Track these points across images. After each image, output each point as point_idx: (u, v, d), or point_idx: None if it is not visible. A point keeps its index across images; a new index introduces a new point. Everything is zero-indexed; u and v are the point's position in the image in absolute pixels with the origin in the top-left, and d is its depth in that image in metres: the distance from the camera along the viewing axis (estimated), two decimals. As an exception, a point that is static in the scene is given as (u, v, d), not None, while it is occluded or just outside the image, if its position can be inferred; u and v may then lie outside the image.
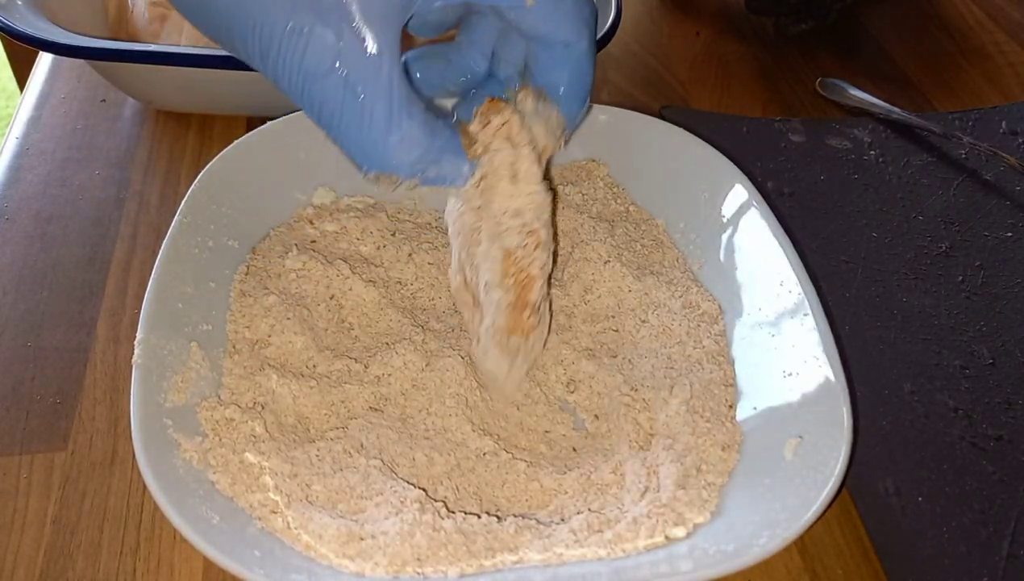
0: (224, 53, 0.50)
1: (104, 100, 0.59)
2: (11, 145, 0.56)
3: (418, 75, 0.38)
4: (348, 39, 0.29)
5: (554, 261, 0.41)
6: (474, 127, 0.36)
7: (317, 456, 0.36)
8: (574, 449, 0.39)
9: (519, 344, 0.39)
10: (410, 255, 0.45)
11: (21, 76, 1.14)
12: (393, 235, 0.46)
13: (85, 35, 0.51)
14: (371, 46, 0.29)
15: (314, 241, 0.45)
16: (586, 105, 0.38)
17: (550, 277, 0.40)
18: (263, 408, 0.38)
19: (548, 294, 0.40)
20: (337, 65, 0.29)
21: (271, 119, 0.46)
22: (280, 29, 0.29)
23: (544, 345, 0.41)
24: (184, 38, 0.54)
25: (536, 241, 0.37)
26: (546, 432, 0.40)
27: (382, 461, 0.36)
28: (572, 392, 0.41)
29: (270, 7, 0.29)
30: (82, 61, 0.58)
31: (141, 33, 0.56)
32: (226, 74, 0.51)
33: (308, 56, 0.29)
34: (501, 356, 0.39)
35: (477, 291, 0.39)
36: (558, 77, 0.36)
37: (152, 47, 0.52)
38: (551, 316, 0.42)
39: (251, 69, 0.46)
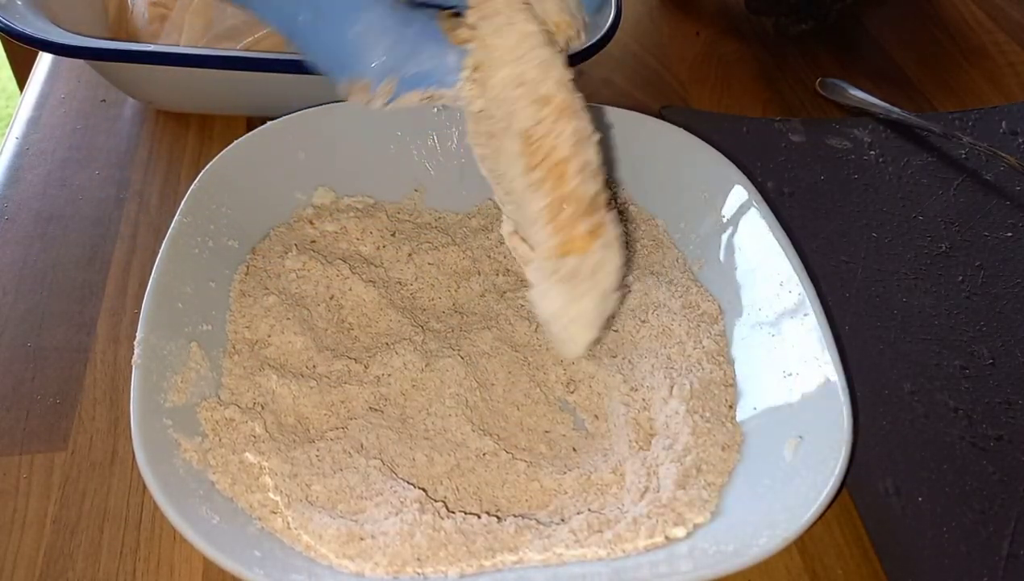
0: (223, 53, 0.50)
1: (104, 100, 0.59)
2: (11, 145, 0.56)
3: None
4: None
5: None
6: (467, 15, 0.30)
7: (317, 456, 0.36)
8: (574, 449, 0.39)
9: (576, 267, 0.31)
10: (410, 255, 0.45)
11: (21, 76, 1.14)
12: (393, 235, 0.46)
13: (85, 35, 0.51)
14: None
15: (314, 241, 0.45)
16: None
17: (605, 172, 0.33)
18: (263, 408, 0.38)
19: (606, 193, 0.33)
20: None
21: (271, 119, 0.46)
22: None
23: (621, 277, 0.34)
24: (184, 38, 0.54)
25: (556, 109, 0.30)
26: (546, 432, 0.40)
27: (382, 461, 0.36)
28: (572, 392, 0.41)
29: None
30: (82, 61, 0.58)
31: (141, 33, 0.56)
32: (225, 74, 0.51)
33: None
34: (558, 291, 0.32)
35: (527, 229, 0.32)
36: None
37: (151, 47, 0.52)
38: (622, 231, 0.34)
39: (250, 69, 0.46)
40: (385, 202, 0.48)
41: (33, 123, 0.57)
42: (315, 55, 0.28)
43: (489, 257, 0.46)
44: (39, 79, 0.61)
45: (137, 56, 0.51)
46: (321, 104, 0.46)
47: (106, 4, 0.58)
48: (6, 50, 1.17)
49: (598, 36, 0.52)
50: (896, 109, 0.57)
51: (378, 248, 0.46)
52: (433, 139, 0.48)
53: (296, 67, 0.49)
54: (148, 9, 0.56)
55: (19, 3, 0.52)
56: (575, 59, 0.51)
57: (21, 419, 0.41)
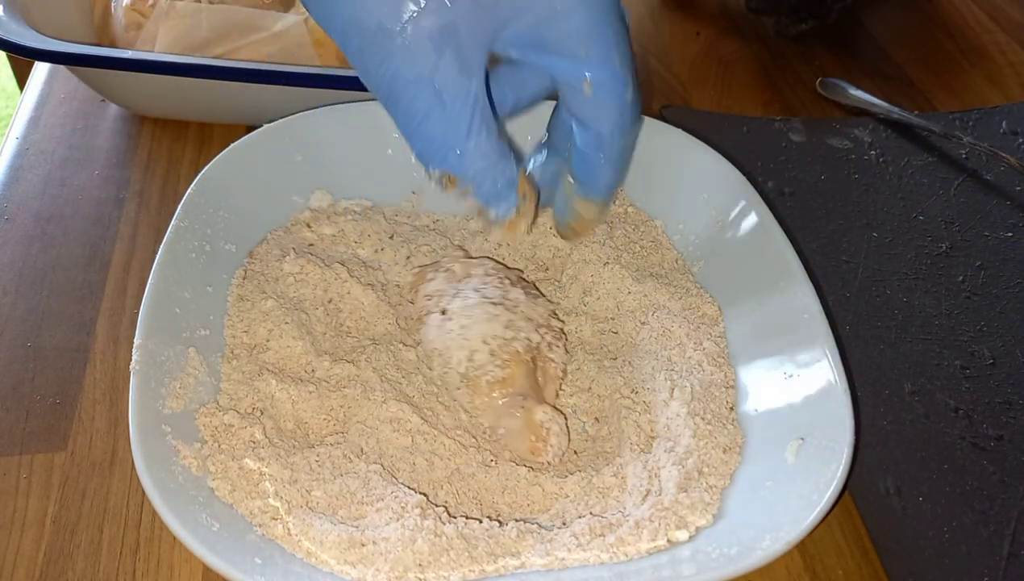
0: (194, 61, 0.50)
1: (104, 100, 0.59)
2: (11, 145, 0.56)
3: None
4: (447, 55, 0.32)
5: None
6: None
7: (317, 462, 0.36)
8: (575, 452, 0.39)
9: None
10: (408, 258, 0.45)
11: (21, 76, 1.13)
12: (391, 238, 0.46)
13: (60, 39, 0.51)
14: (464, 64, 0.33)
15: (311, 244, 0.45)
16: (605, 202, 0.39)
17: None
18: (262, 413, 0.37)
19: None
20: (431, 75, 0.32)
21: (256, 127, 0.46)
22: (385, 31, 0.32)
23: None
24: (157, 45, 0.54)
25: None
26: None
27: (382, 466, 0.36)
28: (572, 395, 0.41)
29: (380, 8, 0.31)
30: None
31: (119, 39, 0.56)
32: (195, 82, 0.51)
33: (405, 63, 0.32)
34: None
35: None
36: (583, 168, 0.38)
37: (110, 52, 0.52)
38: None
39: (223, 78, 0.47)
40: (383, 205, 0.48)
41: (33, 123, 0.57)
42: (423, 149, 0.34)
43: (488, 259, 0.46)
44: (39, 79, 0.61)
45: (95, 61, 0.51)
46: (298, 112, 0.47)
47: (94, 10, 0.59)
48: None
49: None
50: (896, 109, 0.57)
51: (376, 251, 0.46)
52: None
53: (264, 77, 0.49)
54: (125, 15, 0.56)
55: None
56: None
57: (21, 419, 0.41)
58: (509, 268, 0.44)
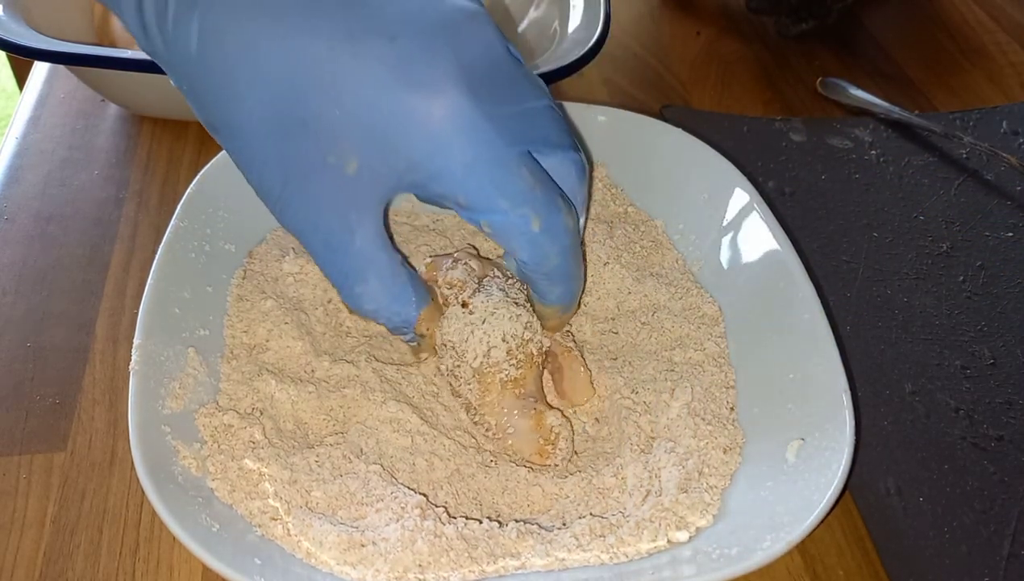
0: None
1: (104, 100, 0.59)
2: (11, 145, 0.56)
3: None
4: (331, 212, 0.34)
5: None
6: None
7: (316, 462, 0.36)
8: (575, 453, 0.39)
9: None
10: (407, 258, 0.45)
11: (21, 76, 1.13)
12: (390, 239, 0.46)
13: (59, 39, 0.51)
14: (345, 222, 0.34)
15: None
16: (563, 307, 0.39)
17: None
18: (261, 414, 0.37)
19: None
20: (316, 228, 0.35)
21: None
22: (292, 197, 0.34)
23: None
24: None
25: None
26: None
27: (381, 466, 0.36)
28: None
29: (275, 165, 0.34)
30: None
31: (119, 39, 0.56)
32: None
33: (296, 212, 0.35)
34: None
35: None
36: (530, 283, 0.38)
37: (109, 52, 0.52)
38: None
39: None
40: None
41: (33, 123, 0.57)
42: (331, 283, 0.37)
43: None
44: (39, 79, 0.61)
45: (97, 61, 0.51)
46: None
47: (92, 9, 0.59)
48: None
49: (587, 46, 0.52)
50: (897, 109, 0.57)
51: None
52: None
53: None
54: None
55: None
56: (567, 71, 0.51)
57: (21, 419, 0.41)
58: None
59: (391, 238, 0.37)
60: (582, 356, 0.41)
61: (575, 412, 0.40)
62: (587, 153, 0.43)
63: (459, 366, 0.38)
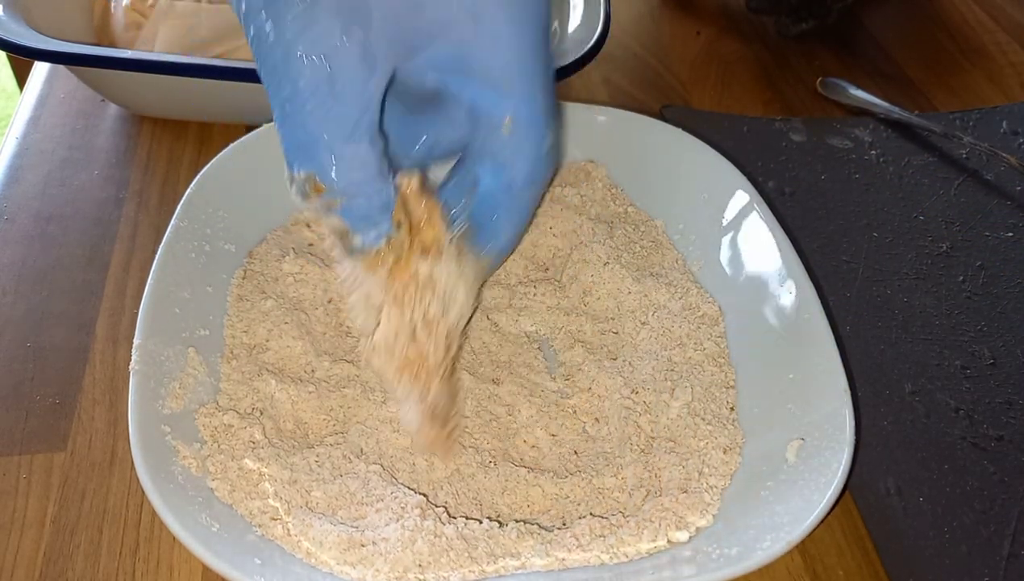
0: (194, 61, 0.50)
1: (104, 100, 0.59)
2: (11, 145, 0.56)
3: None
4: (352, 38, 0.28)
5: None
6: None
7: (316, 462, 0.36)
8: (575, 453, 0.39)
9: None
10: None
11: (21, 76, 1.13)
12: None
13: (59, 39, 0.51)
14: (368, 56, 0.29)
15: (311, 244, 0.45)
16: (500, 254, 0.36)
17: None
18: (261, 414, 0.37)
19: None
20: (330, 53, 0.28)
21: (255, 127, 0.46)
22: (318, 11, 0.28)
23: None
24: (157, 45, 0.54)
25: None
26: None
27: (381, 466, 0.36)
28: (572, 396, 0.41)
29: None
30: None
31: (119, 39, 0.56)
32: (194, 82, 0.51)
33: (304, 31, 0.28)
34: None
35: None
36: (483, 218, 0.34)
37: (109, 52, 0.52)
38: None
39: (223, 78, 0.46)
40: None
41: (33, 123, 0.57)
42: (295, 140, 0.30)
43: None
44: (39, 79, 0.61)
45: (97, 61, 0.51)
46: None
47: (93, 9, 0.59)
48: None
49: (587, 46, 0.52)
50: (897, 109, 0.57)
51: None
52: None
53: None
54: (125, 15, 0.56)
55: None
56: (567, 71, 0.51)
57: (21, 419, 0.41)
58: None
59: None
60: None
61: (575, 411, 0.40)
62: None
63: (438, 319, 0.34)
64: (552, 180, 0.35)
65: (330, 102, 0.29)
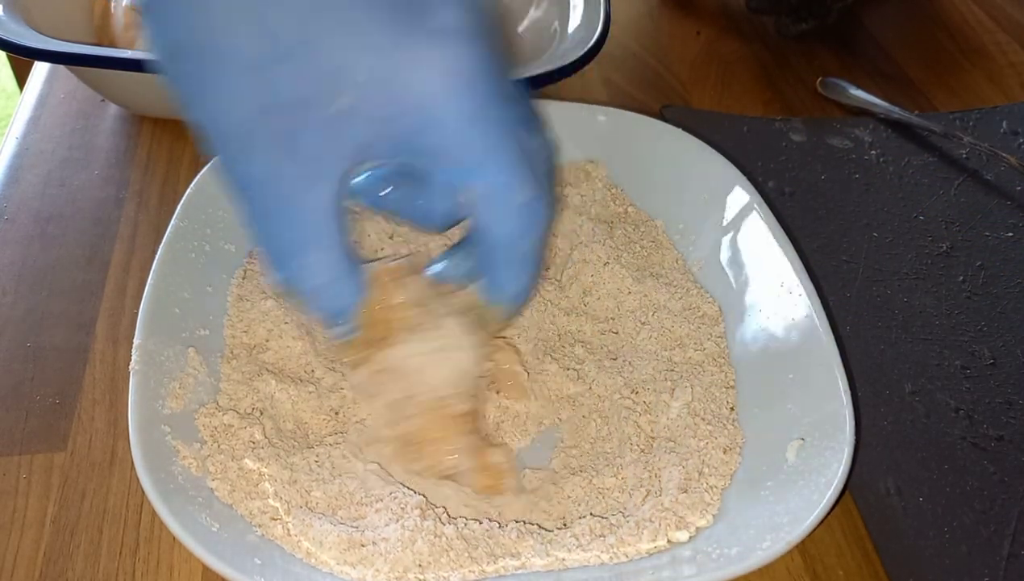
0: None
1: (104, 100, 0.59)
2: (11, 145, 0.56)
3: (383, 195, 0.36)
4: (293, 163, 0.30)
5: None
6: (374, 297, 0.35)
7: (316, 462, 0.36)
8: (574, 447, 0.39)
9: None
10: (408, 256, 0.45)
11: (21, 76, 1.13)
12: (391, 238, 0.46)
13: (58, 39, 0.51)
14: (310, 175, 0.31)
15: None
16: (513, 303, 0.36)
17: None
18: (261, 414, 0.37)
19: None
20: (276, 180, 0.31)
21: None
22: (241, 128, 0.30)
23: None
24: None
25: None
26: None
27: (379, 465, 0.36)
28: (573, 395, 0.41)
29: (233, 106, 0.30)
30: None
31: (119, 39, 0.56)
32: None
33: (252, 162, 0.31)
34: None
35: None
36: (487, 272, 0.35)
37: (109, 52, 0.52)
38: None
39: None
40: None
41: (33, 123, 0.57)
42: (265, 251, 0.33)
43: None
44: (39, 79, 0.61)
45: (97, 61, 0.51)
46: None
47: (93, 9, 0.59)
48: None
49: (588, 46, 0.52)
50: (897, 109, 0.57)
51: (376, 251, 0.46)
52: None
53: None
54: (125, 15, 0.56)
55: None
56: (567, 71, 0.51)
57: (21, 419, 0.41)
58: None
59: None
60: (519, 353, 0.40)
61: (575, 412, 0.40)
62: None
63: (407, 399, 0.36)
64: (550, 224, 0.35)
65: (286, 220, 0.31)
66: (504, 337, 0.41)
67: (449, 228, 0.35)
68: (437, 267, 0.37)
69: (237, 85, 0.30)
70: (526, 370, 0.40)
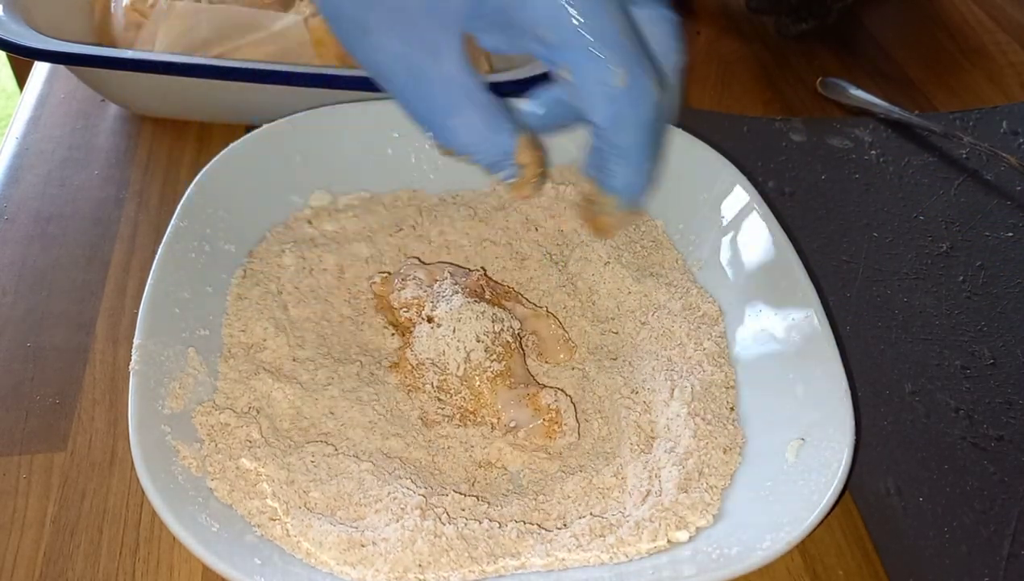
0: (194, 61, 0.50)
1: (104, 100, 0.59)
2: (11, 145, 0.56)
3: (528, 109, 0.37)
4: (412, 41, 0.32)
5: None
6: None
7: (312, 462, 0.36)
8: (576, 435, 0.39)
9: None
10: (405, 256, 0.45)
11: (21, 76, 1.13)
12: (399, 231, 0.46)
13: (58, 39, 0.51)
14: (430, 48, 0.32)
15: (312, 240, 0.45)
16: (628, 193, 0.35)
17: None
18: (258, 412, 0.37)
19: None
20: (403, 60, 0.33)
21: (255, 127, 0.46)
22: (361, 18, 0.32)
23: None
24: (157, 45, 0.54)
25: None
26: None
27: (373, 464, 0.36)
28: (573, 395, 0.41)
29: (371, 8, 0.32)
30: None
31: (119, 39, 0.56)
32: (197, 82, 0.51)
33: (378, 48, 0.33)
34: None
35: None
36: (595, 162, 0.35)
37: (109, 52, 0.52)
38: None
39: (223, 78, 0.47)
40: (382, 195, 0.48)
41: (33, 123, 0.57)
42: (419, 123, 0.35)
43: (444, 263, 0.46)
44: (39, 79, 0.61)
45: (97, 61, 0.51)
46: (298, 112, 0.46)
47: (93, 9, 0.59)
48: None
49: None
50: (897, 109, 0.57)
51: (380, 250, 0.46)
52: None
53: (264, 77, 0.49)
54: (125, 15, 0.56)
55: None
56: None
57: (21, 419, 0.41)
58: (463, 267, 0.44)
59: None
60: (554, 316, 0.42)
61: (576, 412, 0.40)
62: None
63: (444, 379, 0.38)
64: (675, 108, 0.35)
65: (421, 91, 0.33)
66: (541, 306, 0.43)
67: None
68: (527, 106, 0.36)
69: None
70: (566, 331, 0.42)
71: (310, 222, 0.46)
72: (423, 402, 0.39)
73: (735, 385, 0.39)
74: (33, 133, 0.56)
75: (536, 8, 0.31)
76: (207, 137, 0.56)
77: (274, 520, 0.34)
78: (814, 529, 0.31)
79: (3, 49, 0.49)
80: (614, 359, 0.41)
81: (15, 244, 0.49)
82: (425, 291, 0.40)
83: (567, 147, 0.48)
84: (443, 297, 0.39)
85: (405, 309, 0.40)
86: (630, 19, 0.32)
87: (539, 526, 0.34)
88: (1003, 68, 0.65)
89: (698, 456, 0.36)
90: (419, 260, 0.44)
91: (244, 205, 0.44)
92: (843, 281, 0.47)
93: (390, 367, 0.40)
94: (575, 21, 0.31)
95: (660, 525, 0.33)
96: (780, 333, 0.39)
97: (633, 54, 0.31)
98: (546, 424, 0.38)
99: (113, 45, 0.56)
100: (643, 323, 0.42)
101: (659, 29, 0.33)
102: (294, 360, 0.40)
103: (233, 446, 0.36)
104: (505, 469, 0.38)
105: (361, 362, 0.40)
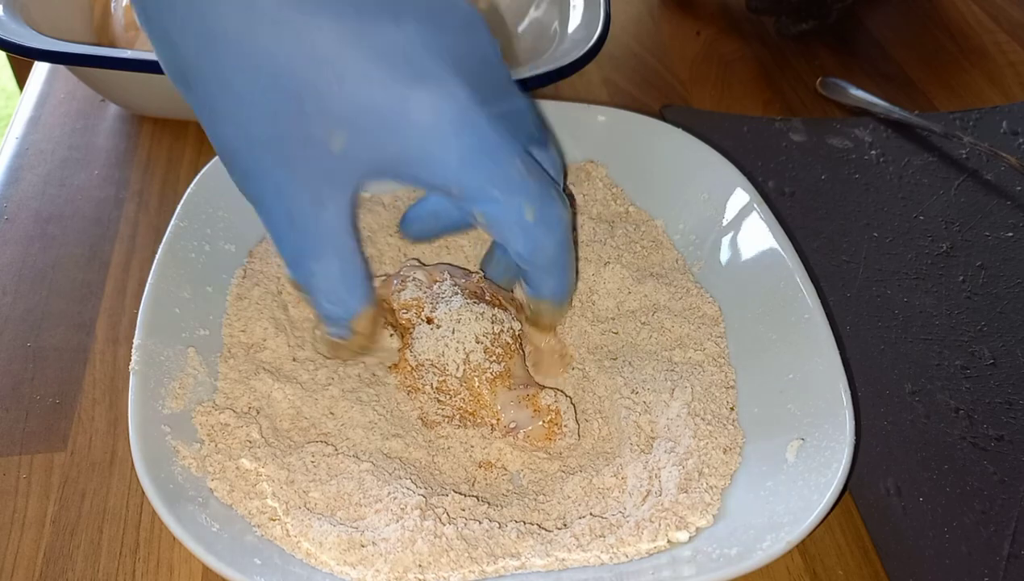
0: None
1: (104, 100, 0.59)
2: (11, 145, 0.56)
3: (414, 226, 0.39)
4: (302, 189, 0.33)
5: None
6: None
7: (312, 462, 0.36)
8: (577, 435, 0.39)
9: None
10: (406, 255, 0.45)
11: (21, 76, 1.13)
12: (398, 230, 0.46)
13: (58, 39, 0.51)
14: (318, 199, 0.33)
15: None
16: (554, 300, 0.38)
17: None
18: (258, 413, 0.37)
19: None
20: (287, 200, 0.33)
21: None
22: (265, 167, 0.33)
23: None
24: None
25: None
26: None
27: (373, 464, 0.36)
28: (573, 395, 0.41)
29: (240, 132, 0.32)
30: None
31: (119, 39, 0.56)
32: None
33: (264, 179, 0.33)
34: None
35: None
36: (524, 276, 0.37)
37: (109, 52, 0.51)
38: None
39: None
40: (381, 194, 0.48)
41: (33, 123, 0.57)
42: (280, 253, 0.35)
43: (444, 264, 0.46)
44: (39, 79, 0.61)
45: (97, 61, 0.50)
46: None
47: (93, 9, 0.59)
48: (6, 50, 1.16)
49: (587, 46, 0.52)
50: (897, 109, 0.57)
51: (380, 250, 0.46)
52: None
53: None
54: (125, 15, 0.56)
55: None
56: (567, 71, 0.51)
57: (21, 419, 0.41)
58: (463, 268, 0.44)
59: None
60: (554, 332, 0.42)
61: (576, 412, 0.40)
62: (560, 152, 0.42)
63: (444, 381, 0.38)
64: (573, 219, 0.38)
65: (292, 229, 0.34)
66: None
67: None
68: (409, 215, 0.39)
69: (243, 117, 0.32)
70: (563, 342, 0.42)
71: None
72: (423, 403, 0.39)
73: (735, 385, 0.39)
74: (33, 133, 0.57)
75: (445, 174, 0.33)
76: (207, 137, 0.56)
77: (274, 520, 0.34)
78: (814, 529, 0.31)
79: (3, 49, 0.49)
80: (614, 359, 0.41)
81: (15, 244, 0.49)
82: (425, 292, 0.40)
83: (567, 147, 0.48)
84: (443, 298, 0.39)
85: (405, 310, 0.40)
86: (529, 157, 0.34)
87: (539, 526, 0.34)
88: (1003, 68, 0.65)
89: (698, 456, 0.36)
90: (419, 261, 0.44)
91: (244, 205, 0.44)
92: (843, 281, 0.47)
93: (390, 368, 0.40)
94: (483, 179, 0.33)
95: (660, 525, 0.33)
96: (780, 333, 0.39)
97: (538, 190, 0.34)
98: (546, 425, 0.38)
99: (113, 45, 0.56)
100: (643, 323, 0.42)
101: (548, 167, 0.36)
102: (294, 360, 0.40)
103: (233, 446, 0.36)
104: (505, 469, 0.38)
105: (360, 363, 0.40)
